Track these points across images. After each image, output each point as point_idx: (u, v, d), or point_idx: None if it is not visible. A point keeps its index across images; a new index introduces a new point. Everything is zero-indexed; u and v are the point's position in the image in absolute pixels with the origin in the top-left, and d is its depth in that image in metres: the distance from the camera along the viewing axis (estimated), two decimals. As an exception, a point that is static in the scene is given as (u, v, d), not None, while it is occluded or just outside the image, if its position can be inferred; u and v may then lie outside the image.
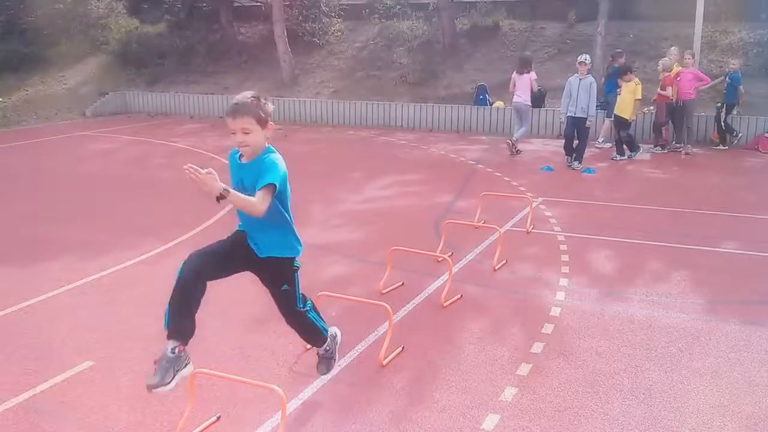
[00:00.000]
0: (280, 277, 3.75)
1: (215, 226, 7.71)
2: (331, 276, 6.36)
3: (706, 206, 8.98)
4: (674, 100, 12.83)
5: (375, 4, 20.73)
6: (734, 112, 13.72)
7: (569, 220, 8.31)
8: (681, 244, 7.32)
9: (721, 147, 13.39)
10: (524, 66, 12.86)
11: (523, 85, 12.67)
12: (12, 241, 7.56)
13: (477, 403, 4.09)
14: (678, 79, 12.76)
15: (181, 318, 3.42)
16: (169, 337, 3.42)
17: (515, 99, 12.85)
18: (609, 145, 13.26)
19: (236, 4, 22.35)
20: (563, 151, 11.87)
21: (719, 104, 13.35)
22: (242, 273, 3.74)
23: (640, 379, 4.39)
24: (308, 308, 3.94)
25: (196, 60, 21.18)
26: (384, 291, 5.80)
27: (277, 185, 3.40)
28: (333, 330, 4.22)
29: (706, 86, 13.20)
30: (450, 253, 6.57)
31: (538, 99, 14.31)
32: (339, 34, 21.05)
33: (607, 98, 13.35)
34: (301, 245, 3.77)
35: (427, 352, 4.77)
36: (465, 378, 4.40)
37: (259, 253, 3.64)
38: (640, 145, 12.99)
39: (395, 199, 9.58)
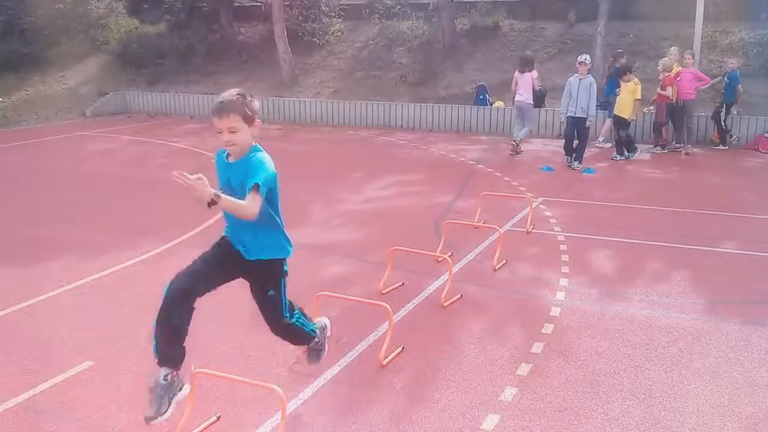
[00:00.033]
0: (267, 281, 3.66)
1: (215, 226, 7.71)
2: (331, 276, 6.36)
3: (706, 206, 8.99)
4: (674, 100, 12.84)
5: (375, 4, 20.72)
6: (734, 112, 13.73)
7: (569, 220, 8.31)
8: (681, 244, 7.32)
9: (721, 147, 13.39)
10: (526, 65, 12.92)
11: (525, 84, 12.73)
12: (12, 241, 7.56)
13: (477, 403, 4.10)
14: (678, 79, 12.77)
15: (169, 345, 3.36)
16: (160, 364, 3.37)
17: (517, 98, 12.89)
18: (609, 145, 13.26)
19: (236, 4, 22.34)
20: (563, 151, 11.87)
21: (719, 103, 13.35)
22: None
23: (640, 379, 4.40)
24: (295, 318, 3.85)
25: (196, 60, 21.18)
26: (384, 291, 5.80)
27: (261, 185, 3.31)
28: (322, 321, 4.19)
29: (706, 86, 13.20)
30: (450, 253, 6.57)
31: (538, 99, 14.32)
32: (339, 34, 21.05)
33: (608, 98, 13.35)
34: (291, 246, 3.69)
35: (427, 352, 4.77)
36: (465, 378, 4.40)
37: (248, 256, 3.56)
38: (639, 145, 13.00)
39: (395, 199, 9.58)
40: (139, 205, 9.16)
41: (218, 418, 3.89)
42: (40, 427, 3.85)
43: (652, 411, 4.01)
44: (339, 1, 21.27)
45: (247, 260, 3.57)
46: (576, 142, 11.60)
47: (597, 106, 12.54)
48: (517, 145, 12.79)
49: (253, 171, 3.36)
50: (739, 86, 13.34)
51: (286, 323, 3.79)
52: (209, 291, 3.51)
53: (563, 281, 6.19)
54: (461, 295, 5.76)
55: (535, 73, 12.91)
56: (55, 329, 5.16)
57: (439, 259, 6.48)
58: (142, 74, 21.06)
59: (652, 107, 13.68)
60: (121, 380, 4.33)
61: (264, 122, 13.58)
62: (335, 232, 7.91)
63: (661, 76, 13.01)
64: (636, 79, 12.31)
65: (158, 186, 10.32)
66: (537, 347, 4.84)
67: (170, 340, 3.36)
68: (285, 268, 3.70)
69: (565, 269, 6.51)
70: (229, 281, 3.64)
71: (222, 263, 3.55)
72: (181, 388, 3.43)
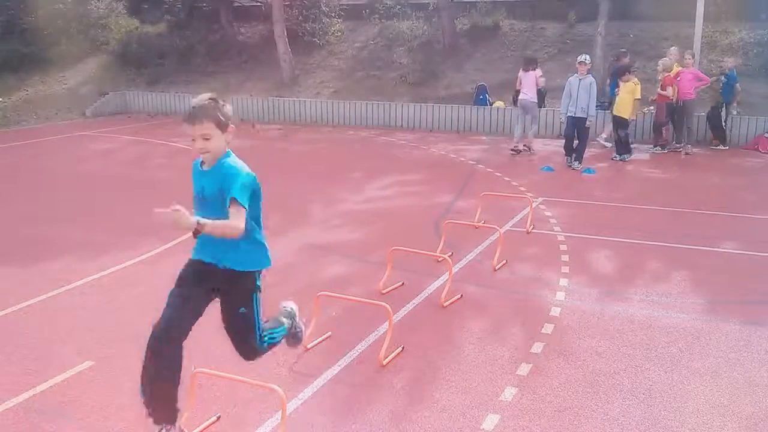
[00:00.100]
0: (238, 296, 3.46)
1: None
2: (331, 276, 6.36)
3: (705, 206, 8.99)
4: (674, 100, 12.83)
5: (375, 4, 20.73)
6: (734, 112, 13.74)
7: (569, 220, 8.31)
8: (681, 244, 7.32)
9: (721, 147, 13.38)
10: (529, 64, 13.01)
11: (528, 83, 12.79)
12: (12, 241, 7.56)
13: (477, 403, 4.10)
14: (678, 79, 12.77)
15: (159, 402, 3.27)
16: (155, 422, 3.30)
17: (521, 96, 12.98)
18: (611, 144, 13.26)
19: (236, 4, 22.35)
20: (563, 151, 11.87)
21: (719, 103, 13.35)
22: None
23: (640, 379, 4.40)
24: (266, 341, 3.63)
25: (196, 60, 21.18)
26: (384, 291, 5.80)
27: (240, 196, 3.18)
28: (288, 308, 4.01)
29: (706, 86, 13.20)
30: (450, 253, 6.57)
31: (538, 99, 14.33)
32: (339, 34, 21.05)
33: (611, 98, 13.36)
34: (269, 258, 3.52)
35: (427, 352, 4.77)
36: (465, 378, 4.40)
37: (220, 264, 3.38)
38: (639, 146, 13.04)
39: (395, 199, 9.58)
40: (139, 205, 9.15)
41: (218, 418, 3.89)
42: (40, 427, 3.85)
43: (652, 411, 4.01)
44: (339, 1, 21.28)
45: (219, 270, 3.39)
46: (576, 142, 11.60)
47: (598, 105, 12.55)
48: (526, 145, 12.96)
49: (230, 180, 3.22)
50: (738, 85, 13.35)
51: (255, 346, 3.57)
52: (193, 323, 3.37)
53: (563, 281, 6.19)
54: (461, 295, 5.76)
55: (539, 72, 12.97)
56: (55, 329, 5.16)
57: (439, 259, 6.48)
58: (142, 74, 21.07)
59: (652, 107, 13.68)
60: (121, 380, 4.33)
61: (264, 122, 13.56)
62: (335, 232, 7.91)
63: (660, 76, 13.01)
64: (635, 79, 12.32)
65: (158, 186, 10.32)
66: (537, 347, 4.84)
67: (159, 396, 3.26)
68: (258, 282, 3.52)
69: (565, 269, 6.51)
70: (209, 302, 3.48)
71: (198, 291, 3.39)
72: None
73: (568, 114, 11.60)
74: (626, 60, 13.33)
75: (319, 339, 4.89)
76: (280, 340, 3.81)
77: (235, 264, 3.39)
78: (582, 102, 11.33)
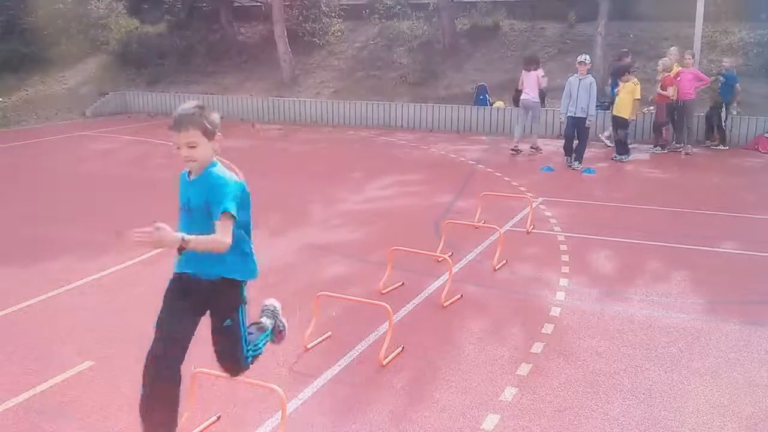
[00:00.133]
0: (225, 308, 3.34)
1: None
2: (331, 276, 6.36)
3: (705, 206, 8.99)
4: (675, 100, 12.83)
5: (375, 4, 20.73)
6: (734, 112, 13.73)
7: (569, 220, 8.31)
8: (681, 244, 7.32)
9: (721, 147, 13.38)
10: (531, 63, 13.03)
11: (530, 83, 12.82)
12: (12, 241, 7.56)
13: (477, 403, 4.10)
14: (678, 79, 12.77)
15: (166, 427, 3.21)
16: None
17: (523, 96, 13.00)
18: (613, 143, 13.25)
19: (236, 4, 22.35)
20: (563, 151, 11.88)
21: (719, 102, 13.35)
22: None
23: (640, 379, 4.40)
24: (251, 355, 3.51)
25: (196, 60, 21.19)
26: (384, 291, 5.80)
27: (231, 209, 3.08)
28: (270, 307, 3.89)
29: (706, 86, 13.20)
30: (450, 253, 6.58)
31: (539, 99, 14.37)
32: (339, 34, 21.05)
33: (612, 98, 13.36)
34: (255, 268, 3.39)
35: (427, 352, 4.77)
36: (465, 378, 4.40)
37: (204, 277, 3.26)
38: (638, 146, 13.04)
39: (395, 199, 9.58)
40: (139, 205, 9.15)
41: (218, 418, 3.90)
42: (40, 427, 3.85)
43: (652, 411, 4.01)
44: (339, 1, 21.28)
45: (203, 282, 3.28)
46: (576, 142, 11.60)
47: (598, 105, 12.55)
48: (533, 146, 13.06)
49: (217, 191, 3.11)
50: (737, 85, 13.35)
51: (240, 360, 3.44)
52: (188, 344, 3.29)
53: (563, 281, 6.19)
54: (461, 295, 5.76)
55: (540, 72, 12.99)
56: (55, 329, 5.16)
57: (439, 259, 6.48)
58: (142, 74, 21.07)
59: (652, 107, 13.68)
60: (121, 380, 4.33)
61: (264, 122, 13.55)
62: (335, 232, 7.91)
63: (660, 76, 13.01)
64: (635, 79, 12.32)
65: (158, 186, 10.31)
66: (537, 347, 4.84)
67: (165, 421, 3.22)
68: (243, 294, 3.40)
69: (565, 269, 6.51)
70: (198, 321, 3.37)
71: (187, 310, 3.29)
72: None
73: (568, 114, 11.60)
74: (628, 60, 13.33)
75: (319, 339, 4.89)
76: (264, 350, 3.71)
77: (222, 272, 3.27)
78: (582, 102, 11.33)
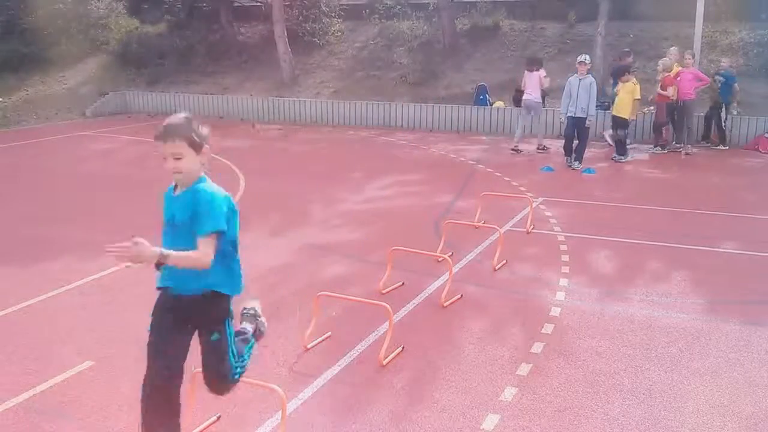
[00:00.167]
0: (211, 322, 3.24)
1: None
2: (331, 276, 6.36)
3: (705, 206, 8.99)
4: (675, 100, 12.83)
5: (375, 4, 20.73)
6: (734, 112, 13.73)
7: (569, 220, 8.31)
8: (680, 244, 7.32)
9: (721, 147, 13.38)
10: (533, 64, 13.10)
11: (532, 83, 12.89)
12: (12, 241, 7.56)
13: (477, 403, 4.10)
14: (678, 79, 12.76)
15: None
16: None
17: (525, 96, 13.08)
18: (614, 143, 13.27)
19: (236, 4, 22.35)
20: (563, 151, 11.88)
21: (719, 103, 13.36)
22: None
23: (640, 379, 4.40)
24: (238, 373, 3.41)
25: (196, 60, 21.18)
26: (384, 291, 5.80)
27: (220, 228, 3.02)
28: (250, 311, 3.78)
29: (706, 86, 13.20)
30: (450, 253, 6.58)
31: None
32: (339, 34, 21.04)
33: (613, 98, 13.37)
34: (241, 284, 3.30)
35: (427, 352, 4.77)
36: (465, 378, 4.40)
37: (187, 292, 3.16)
38: (637, 146, 13.02)
39: (395, 199, 9.58)
40: (139, 205, 9.15)
41: (218, 418, 3.90)
42: (40, 427, 3.85)
43: (652, 411, 4.01)
44: (339, 1, 21.27)
45: (187, 298, 3.18)
46: (576, 142, 11.61)
47: (598, 105, 12.55)
48: (540, 145, 13.12)
49: (206, 207, 3.03)
50: (736, 85, 13.35)
51: (227, 375, 3.32)
52: (183, 365, 3.25)
53: (563, 281, 6.19)
54: (461, 295, 5.76)
55: (543, 72, 13.04)
56: (55, 329, 5.16)
57: (439, 259, 6.48)
58: (142, 74, 21.07)
59: (652, 107, 13.68)
60: (121, 380, 4.33)
61: (264, 122, 13.53)
62: (335, 232, 7.91)
63: (659, 77, 13.01)
64: (634, 80, 12.33)
65: (158, 186, 10.31)
66: (537, 347, 4.84)
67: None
68: (230, 308, 3.32)
69: (565, 269, 6.51)
70: (190, 339, 3.29)
71: (171, 322, 3.22)
72: None
73: (568, 114, 11.61)
74: (629, 60, 13.33)
75: (319, 339, 4.90)
76: (249, 363, 3.59)
77: (208, 285, 3.17)
78: (582, 102, 11.34)
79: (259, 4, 21.92)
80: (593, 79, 11.52)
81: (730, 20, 16.79)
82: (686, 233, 7.71)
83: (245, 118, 17.66)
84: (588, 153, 11.89)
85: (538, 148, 13.15)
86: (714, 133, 13.62)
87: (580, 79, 11.40)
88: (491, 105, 16.22)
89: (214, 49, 21.38)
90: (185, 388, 3.69)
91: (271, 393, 3.81)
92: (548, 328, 5.16)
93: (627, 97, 12.11)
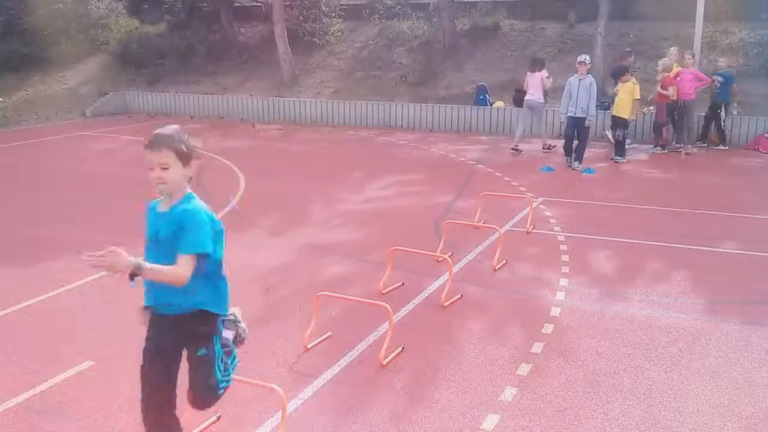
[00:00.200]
0: (198, 337, 3.20)
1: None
2: (331, 276, 6.36)
3: (705, 206, 8.99)
4: (675, 100, 12.83)
5: (375, 4, 20.73)
6: (734, 112, 13.73)
7: (569, 220, 8.31)
8: (680, 244, 7.32)
9: (721, 147, 13.38)
10: (536, 64, 13.14)
11: (535, 84, 12.91)
12: (12, 241, 7.56)
13: (477, 403, 4.10)
14: (678, 79, 12.77)
15: None
16: None
17: (527, 97, 13.10)
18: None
19: (236, 4, 22.34)
20: (563, 151, 11.88)
21: (718, 103, 13.35)
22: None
23: (640, 379, 4.40)
24: (223, 391, 3.33)
25: (196, 60, 21.18)
26: (384, 291, 5.80)
27: (206, 250, 3.00)
28: (230, 317, 3.61)
29: (706, 86, 13.20)
30: (450, 253, 6.58)
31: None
32: (339, 34, 21.04)
33: (613, 98, 13.38)
34: (227, 307, 3.28)
35: (427, 352, 4.77)
36: (465, 378, 4.40)
37: (168, 310, 3.15)
38: (637, 146, 13.02)
39: (395, 199, 9.58)
40: (139, 205, 9.16)
41: (218, 418, 3.90)
42: (40, 427, 3.85)
43: (652, 411, 4.01)
44: (339, 1, 21.27)
45: (173, 318, 3.16)
46: (576, 142, 11.61)
47: (598, 105, 12.55)
48: (546, 145, 13.15)
49: (192, 229, 2.99)
50: (735, 85, 13.34)
51: (213, 389, 3.24)
52: (175, 387, 3.25)
53: (563, 281, 6.19)
54: (461, 295, 5.76)
55: (545, 72, 13.07)
56: (55, 329, 5.16)
57: (439, 259, 6.48)
58: (142, 74, 21.06)
59: (652, 107, 13.68)
60: (121, 380, 4.33)
61: (264, 122, 13.52)
62: (335, 232, 7.91)
63: (660, 76, 13.01)
64: (634, 80, 12.33)
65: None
66: (537, 347, 4.84)
67: None
68: (219, 325, 3.28)
69: (565, 269, 6.51)
70: (179, 355, 3.27)
71: (160, 343, 3.23)
72: None
73: (568, 114, 11.62)
74: (630, 60, 13.34)
75: (319, 339, 4.90)
76: (233, 376, 3.51)
77: (195, 304, 3.14)
78: (582, 102, 11.35)
79: (259, 4, 21.92)
80: (593, 79, 11.52)
81: (730, 20, 16.78)
82: (686, 233, 7.71)
83: (245, 118, 17.66)
84: (588, 153, 11.89)
85: (543, 148, 13.16)
86: (713, 133, 13.62)
87: (580, 79, 11.41)
88: (491, 105, 16.22)
89: (214, 49, 21.38)
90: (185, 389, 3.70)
91: (271, 393, 3.81)
92: (548, 328, 5.16)
93: (627, 97, 12.11)
